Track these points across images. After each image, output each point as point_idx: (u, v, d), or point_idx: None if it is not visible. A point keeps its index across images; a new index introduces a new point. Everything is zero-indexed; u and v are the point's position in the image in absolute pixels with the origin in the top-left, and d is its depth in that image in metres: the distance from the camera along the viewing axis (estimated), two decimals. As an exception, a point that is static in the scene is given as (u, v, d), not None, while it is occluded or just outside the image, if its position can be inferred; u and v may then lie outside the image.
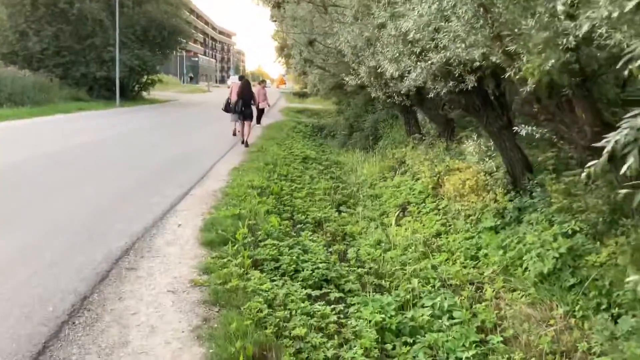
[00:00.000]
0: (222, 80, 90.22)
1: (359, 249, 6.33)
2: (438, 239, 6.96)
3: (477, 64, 6.71)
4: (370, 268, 5.74)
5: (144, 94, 32.17)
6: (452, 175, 8.62)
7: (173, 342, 3.12)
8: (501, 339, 4.15)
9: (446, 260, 6.10)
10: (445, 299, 4.79)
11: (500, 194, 7.03)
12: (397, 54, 7.01)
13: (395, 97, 10.84)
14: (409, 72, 6.99)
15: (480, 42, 5.03)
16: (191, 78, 68.93)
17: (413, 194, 9.22)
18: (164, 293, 3.77)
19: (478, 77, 6.65)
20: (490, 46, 4.94)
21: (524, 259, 5.29)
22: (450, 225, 7.44)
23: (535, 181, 6.61)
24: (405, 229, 7.45)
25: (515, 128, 5.05)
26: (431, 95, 7.38)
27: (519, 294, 5.04)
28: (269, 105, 14.90)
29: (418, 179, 10.04)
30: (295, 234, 6.12)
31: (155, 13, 29.37)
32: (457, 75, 6.69)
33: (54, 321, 3.32)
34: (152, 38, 29.96)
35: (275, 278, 4.44)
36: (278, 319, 3.54)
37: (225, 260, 4.46)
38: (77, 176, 7.94)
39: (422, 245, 6.71)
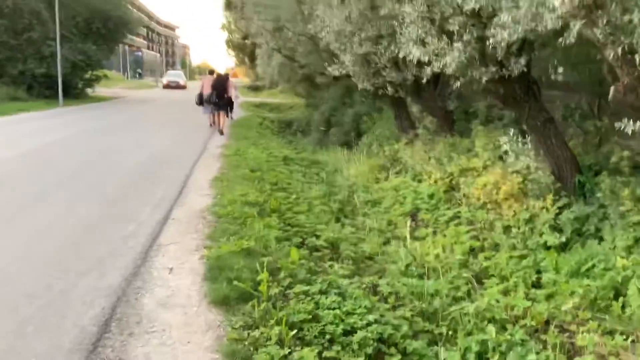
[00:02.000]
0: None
1: (390, 281, 5.04)
2: (476, 258, 5.79)
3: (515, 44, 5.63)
4: (413, 307, 4.47)
5: (89, 91, 29.64)
6: (474, 178, 7.44)
7: None
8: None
9: (504, 289, 4.88)
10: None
11: (550, 200, 5.88)
12: (424, 34, 5.73)
13: (388, 88, 9.65)
14: (436, 56, 5.75)
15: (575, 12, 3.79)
16: (139, 74, 65.70)
17: (421, 199, 7.99)
18: (181, 413, 2.32)
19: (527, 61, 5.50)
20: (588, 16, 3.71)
21: (628, 292, 4.11)
22: (484, 240, 6.28)
23: (599, 184, 5.47)
24: (432, 245, 6.23)
25: (618, 124, 3.84)
26: (457, 84, 6.23)
27: (624, 339, 3.85)
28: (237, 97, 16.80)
29: (421, 181, 8.86)
30: (317, 267, 4.76)
31: (98, 3, 26.95)
32: (498, 59, 5.54)
33: None
34: (96, 30, 27.56)
35: (326, 354, 3.09)
36: None
37: (255, 333, 3.04)
38: (22, 199, 6.21)
39: (460, 267, 5.53)
